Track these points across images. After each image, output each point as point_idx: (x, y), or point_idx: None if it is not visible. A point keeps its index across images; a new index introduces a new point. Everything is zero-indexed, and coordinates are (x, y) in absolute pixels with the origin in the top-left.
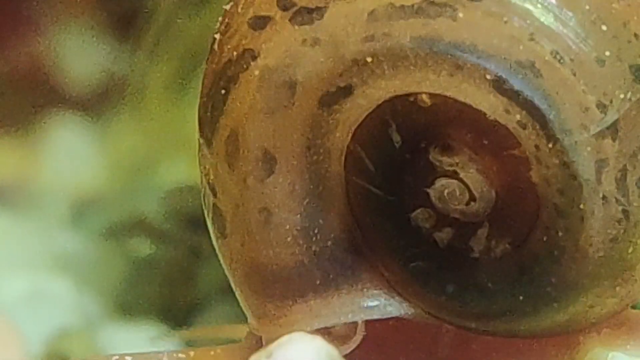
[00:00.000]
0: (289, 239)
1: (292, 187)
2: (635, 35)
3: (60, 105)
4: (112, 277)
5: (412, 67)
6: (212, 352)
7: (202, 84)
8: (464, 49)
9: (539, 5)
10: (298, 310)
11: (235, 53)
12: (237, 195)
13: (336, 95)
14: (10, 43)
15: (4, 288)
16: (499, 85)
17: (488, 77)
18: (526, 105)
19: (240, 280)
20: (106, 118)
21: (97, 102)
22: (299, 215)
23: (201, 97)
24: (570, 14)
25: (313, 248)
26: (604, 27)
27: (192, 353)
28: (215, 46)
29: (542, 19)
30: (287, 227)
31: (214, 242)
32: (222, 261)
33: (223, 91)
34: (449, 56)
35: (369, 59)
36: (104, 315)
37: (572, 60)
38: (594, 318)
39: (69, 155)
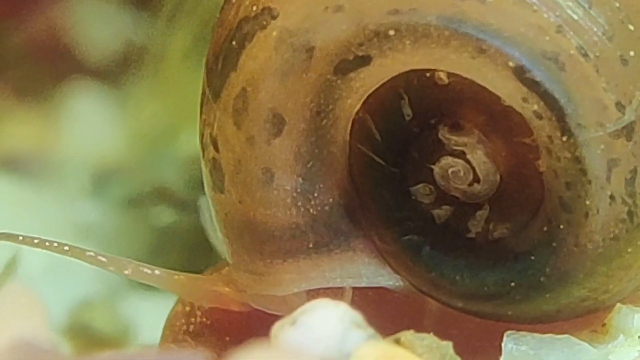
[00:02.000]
0: (288, 200)
1: (297, 149)
2: None
3: (79, 74)
4: (134, 246)
5: (433, 45)
6: (175, 277)
7: (214, 33)
8: (489, 33)
9: None
10: (287, 269)
11: (254, 8)
12: (240, 153)
13: (353, 63)
14: (29, 13)
15: (27, 259)
16: (521, 74)
17: (510, 64)
18: (545, 96)
19: (232, 235)
20: (125, 87)
21: (117, 71)
22: (300, 178)
23: (212, 47)
24: (600, 10)
25: (310, 211)
26: (631, 27)
27: (157, 272)
28: None
29: (571, 13)
30: (288, 188)
31: (208, 194)
32: (214, 214)
33: (237, 46)
34: (474, 38)
35: (391, 32)
36: (126, 284)
37: (596, 56)
38: (583, 311)
39: (89, 125)
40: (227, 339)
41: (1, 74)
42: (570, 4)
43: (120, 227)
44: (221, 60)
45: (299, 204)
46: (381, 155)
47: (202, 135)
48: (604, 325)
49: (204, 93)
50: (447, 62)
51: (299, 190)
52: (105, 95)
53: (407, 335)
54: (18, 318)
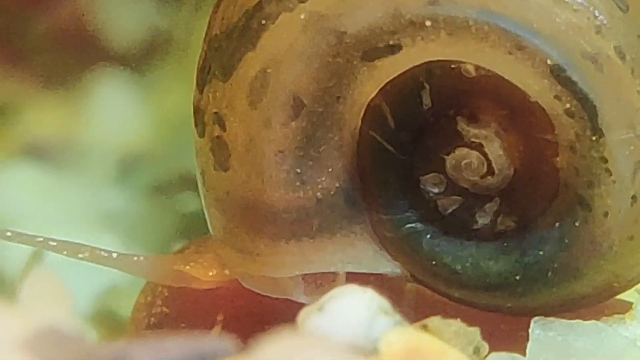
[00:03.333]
0: (297, 182)
1: (312, 133)
2: None
3: (105, 61)
4: (159, 233)
5: (470, 38)
6: (135, 258)
7: (223, 10)
8: (530, 30)
9: (611, 1)
10: (290, 251)
11: None
12: (254, 134)
13: (382, 51)
14: (55, 0)
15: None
16: (558, 72)
17: (549, 62)
18: (580, 95)
19: (231, 214)
20: (151, 74)
21: (142, 58)
22: (311, 161)
23: (218, 25)
24: (636, 13)
25: (318, 195)
26: None
27: (114, 255)
28: None
29: (610, 14)
30: (299, 171)
31: (206, 172)
32: (208, 192)
33: (256, 26)
34: (514, 35)
35: (427, 23)
36: None
37: (632, 59)
38: (583, 305)
39: (114, 112)
40: (182, 325)
41: (27, 61)
42: (609, 5)
43: (146, 214)
44: (235, 40)
45: (308, 187)
46: (392, 142)
47: (200, 113)
48: (631, 310)
49: (204, 71)
50: (479, 56)
51: (308, 173)
52: (131, 82)
53: (434, 321)
54: (44, 305)
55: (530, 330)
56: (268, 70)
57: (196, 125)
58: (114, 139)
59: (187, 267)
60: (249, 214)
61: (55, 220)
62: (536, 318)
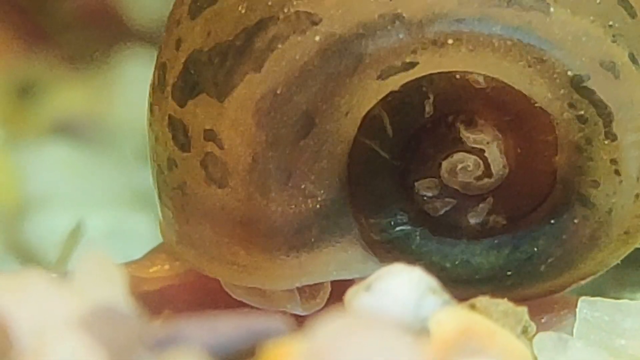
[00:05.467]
0: (300, 197)
1: (318, 149)
2: None
3: (130, 39)
4: None
5: (490, 54)
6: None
7: (207, 24)
8: (553, 44)
9: (621, 6)
10: (288, 264)
11: (285, 10)
12: (259, 153)
13: (398, 69)
14: None
15: (90, 224)
16: (578, 83)
17: (570, 73)
18: (598, 103)
19: (227, 228)
20: None
21: None
22: (314, 176)
23: (207, 39)
24: None
25: (317, 207)
26: None
27: None
28: None
29: (623, 21)
30: (303, 186)
31: (191, 185)
32: (194, 205)
33: (261, 46)
34: (537, 49)
35: (450, 41)
36: None
37: None
38: (566, 289)
39: (141, 89)
40: None
41: (54, 40)
42: (621, 13)
43: None
44: (231, 58)
45: (309, 201)
46: (386, 149)
47: (181, 127)
48: None
49: (185, 85)
50: (495, 68)
51: (311, 187)
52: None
53: (483, 300)
54: (98, 283)
55: (577, 310)
56: (278, 92)
57: (174, 138)
58: (140, 116)
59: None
60: (247, 229)
61: (87, 198)
62: (583, 297)
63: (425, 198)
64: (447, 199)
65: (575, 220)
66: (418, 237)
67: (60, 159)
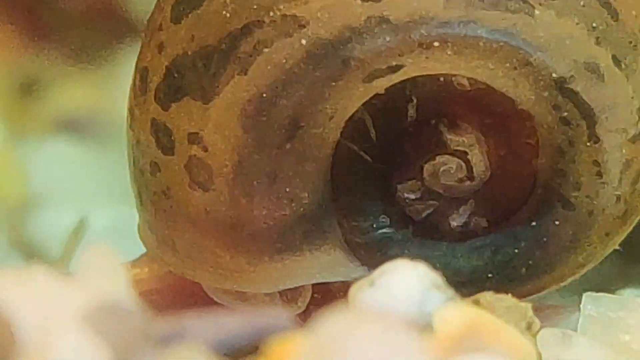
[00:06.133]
0: (284, 201)
1: (303, 152)
2: None
3: (133, 36)
4: None
5: (476, 56)
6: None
7: (190, 29)
8: (538, 46)
9: (604, 9)
10: (273, 267)
11: (271, 14)
12: (245, 156)
13: (383, 72)
14: None
15: (93, 220)
16: (562, 84)
17: (554, 75)
18: (582, 104)
19: (211, 232)
20: None
21: None
22: (299, 179)
23: (190, 44)
24: (625, 20)
25: (301, 210)
26: None
27: None
28: None
29: (605, 23)
30: (288, 189)
31: (175, 189)
32: (178, 209)
33: (247, 50)
34: (522, 51)
35: (436, 44)
36: None
37: (626, 66)
38: (545, 291)
39: None
40: None
41: (58, 37)
42: (603, 15)
43: None
44: (216, 62)
45: (294, 204)
46: (370, 152)
47: (164, 130)
48: None
49: (169, 88)
50: (480, 71)
51: (295, 191)
52: None
53: (487, 296)
54: (101, 278)
55: (581, 306)
56: (264, 95)
57: (157, 141)
58: None
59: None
60: (231, 232)
61: (90, 194)
62: (587, 293)
63: (407, 201)
64: (429, 202)
65: (556, 222)
66: (400, 240)
67: (64, 155)
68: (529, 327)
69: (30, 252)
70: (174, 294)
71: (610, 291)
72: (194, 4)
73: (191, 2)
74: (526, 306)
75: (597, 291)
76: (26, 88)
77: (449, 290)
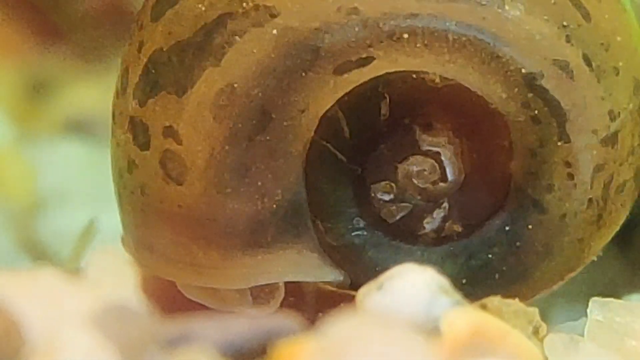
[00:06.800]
0: (256, 195)
1: (275, 146)
2: (636, 48)
3: None
4: None
5: (445, 50)
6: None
7: (168, 24)
8: (507, 40)
9: (576, 9)
10: (245, 263)
11: (244, 5)
12: (217, 148)
13: (354, 64)
14: None
15: (103, 222)
16: (531, 81)
17: (524, 71)
18: (551, 102)
19: (184, 227)
20: None
21: None
22: (271, 174)
23: (167, 39)
24: (597, 21)
25: (274, 206)
26: (618, 38)
27: None
28: None
29: (577, 23)
30: (260, 184)
31: (150, 185)
32: (153, 205)
33: (220, 41)
34: (491, 45)
35: (405, 36)
36: None
37: (597, 66)
38: (522, 298)
39: None
40: None
41: (66, 37)
42: (575, 15)
43: None
44: (191, 55)
45: (266, 199)
46: (344, 151)
47: (142, 126)
48: None
49: (146, 85)
50: (451, 67)
51: (267, 185)
52: None
53: (494, 301)
54: (110, 280)
55: (588, 311)
56: (235, 85)
57: (135, 138)
58: None
59: None
60: (204, 227)
61: (100, 195)
62: (594, 299)
63: (381, 202)
64: (403, 204)
65: (530, 227)
66: (374, 243)
67: (74, 156)
68: (536, 331)
69: (38, 253)
70: (181, 295)
71: (618, 296)
72: (173, 2)
73: (170, 0)
74: (533, 311)
75: (605, 296)
76: (36, 89)
77: (457, 295)
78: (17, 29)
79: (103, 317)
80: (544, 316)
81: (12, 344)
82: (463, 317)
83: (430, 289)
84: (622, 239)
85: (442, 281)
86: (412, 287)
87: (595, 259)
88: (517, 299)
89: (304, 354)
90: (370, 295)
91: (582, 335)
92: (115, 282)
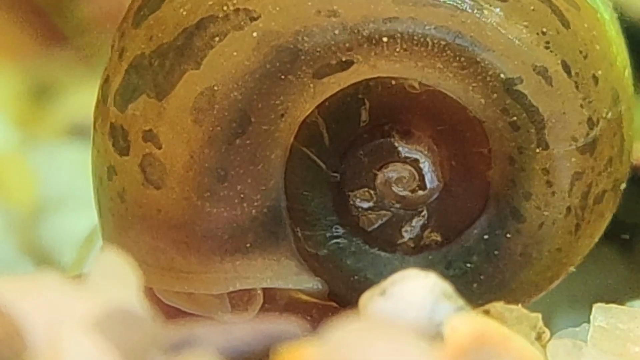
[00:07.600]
0: (235, 200)
1: (254, 150)
2: (615, 59)
3: None
4: None
5: (425, 54)
6: None
7: (149, 29)
8: (486, 46)
9: (555, 16)
10: (223, 268)
11: (224, 9)
12: (196, 152)
13: (333, 68)
14: None
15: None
16: (510, 86)
17: (502, 76)
18: (530, 108)
19: (163, 232)
20: None
21: None
22: (250, 179)
23: (148, 44)
24: (576, 29)
25: (253, 212)
26: (597, 47)
27: None
28: None
29: (557, 30)
30: (238, 188)
31: (129, 190)
32: (133, 210)
33: (200, 44)
34: (470, 50)
35: (385, 39)
36: None
37: (576, 73)
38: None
39: None
40: None
41: (70, 42)
42: (554, 22)
43: None
44: (171, 58)
45: (245, 204)
46: (323, 158)
47: (121, 132)
48: None
49: (126, 91)
50: (430, 72)
51: (247, 191)
52: None
53: (497, 306)
54: (112, 285)
55: (591, 317)
56: (215, 88)
57: (115, 144)
58: None
59: None
60: (182, 231)
61: None
62: (597, 304)
63: (360, 209)
64: (381, 212)
65: (508, 235)
66: (352, 252)
67: (77, 160)
68: (539, 337)
69: (41, 258)
70: None
71: (621, 303)
72: (154, 7)
73: (151, 6)
74: (536, 316)
75: (608, 302)
76: (40, 93)
77: (460, 300)
78: (21, 33)
79: (106, 321)
80: (547, 322)
81: (15, 348)
82: (466, 323)
83: (433, 294)
84: (626, 245)
85: (445, 287)
86: (415, 292)
87: (594, 266)
88: (519, 305)
89: (307, 359)
90: (373, 300)
91: (585, 341)
92: (118, 287)
